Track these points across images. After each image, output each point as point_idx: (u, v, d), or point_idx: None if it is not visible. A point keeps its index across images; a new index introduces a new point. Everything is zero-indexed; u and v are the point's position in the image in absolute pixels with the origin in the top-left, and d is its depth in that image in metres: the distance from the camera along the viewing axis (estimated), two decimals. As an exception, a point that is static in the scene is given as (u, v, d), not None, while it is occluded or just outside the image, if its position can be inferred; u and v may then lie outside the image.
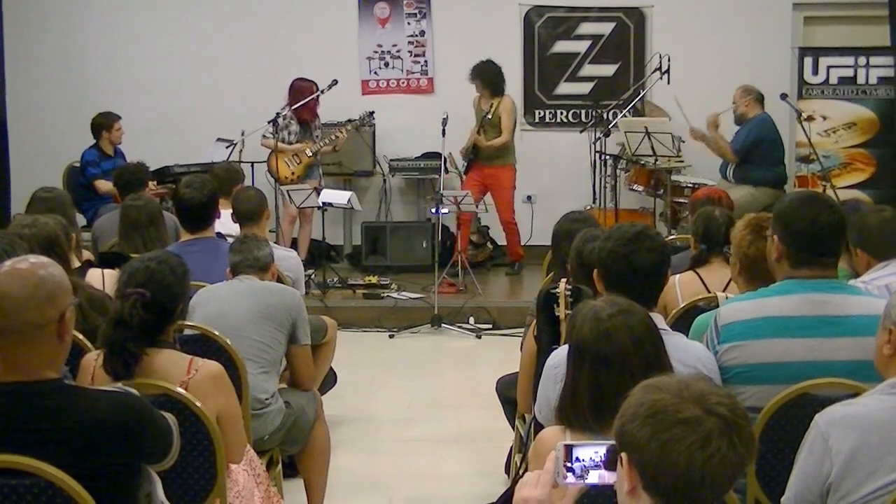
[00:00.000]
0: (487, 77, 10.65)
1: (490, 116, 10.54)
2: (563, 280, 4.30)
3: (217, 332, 4.59)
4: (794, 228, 3.82)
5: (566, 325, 3.98)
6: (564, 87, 11.84)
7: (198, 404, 3.74)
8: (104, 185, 9.88)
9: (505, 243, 11.29)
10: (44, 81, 11.83)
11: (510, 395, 5.37)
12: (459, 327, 9.48)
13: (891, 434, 2.88)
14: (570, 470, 2.32)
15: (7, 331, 2.96)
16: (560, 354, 3.56)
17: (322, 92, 10.52)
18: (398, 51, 11.92)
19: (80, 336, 4.21)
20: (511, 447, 5.58)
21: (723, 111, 10.31)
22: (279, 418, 4.98)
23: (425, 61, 11.91)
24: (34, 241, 4.71)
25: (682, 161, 10.39)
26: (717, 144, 10.31)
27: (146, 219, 6.09)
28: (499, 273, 11.25)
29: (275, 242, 7.86)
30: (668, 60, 10.25)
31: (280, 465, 5.11)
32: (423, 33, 11.87)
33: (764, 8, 11.50)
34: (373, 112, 11.08)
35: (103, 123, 10.28)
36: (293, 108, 10.45)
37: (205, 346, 4.50)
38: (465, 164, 10.82)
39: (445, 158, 10.34)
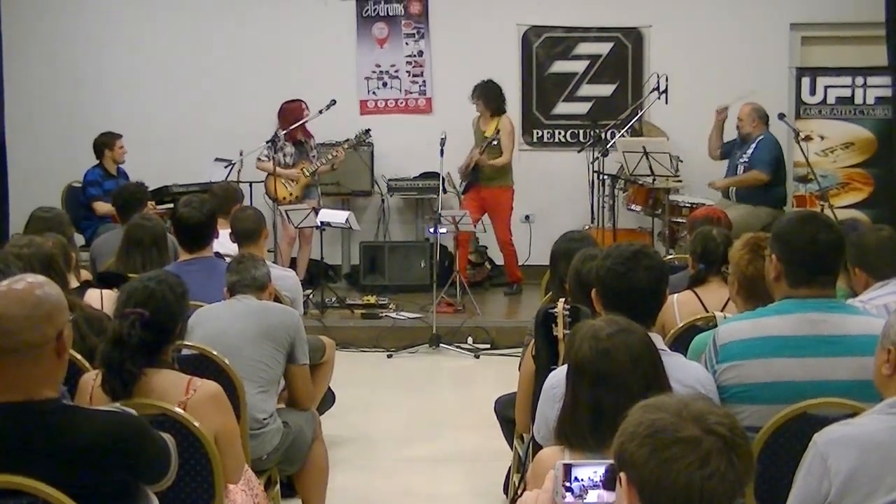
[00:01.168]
0: (490, 97, 10.68)
1: (496, 143, 10.55)
2: (562, 300, 4.30)
3: (215, 352, 4.58)
4: (793, 247, 3.82)
5: (565, 345, 3.98)
6: (562, 107, 11.86)
7: (196, 424, 3.74)
8: (102, 207, 9.89)
9: (503, 263, 11.29)
10: (42, 101, 11.85)
11: (508, 414, 5.37)
12: (458, 347, 9.47)
13: (889, 454, 2.88)
14: (569, 489, 2.32)
15: (6, 351, 2.96)
16: (558, 374, 3.56)
17: (321, 112, 10.53)
18: (396, 71, 11.95)
19: (78, 356, 4.21)
20: (510, 467, 5.57)
21: (725, 105, 10.34)
22: (277, 438, 4.98)
23: (423, 81, 11.94)
24: (32, 260, 4.71)
25: (680, 181, 10.40)
26: (742, 185, 10.21)
27: (150, 240, 6.09)
28: (497, 293, 11.25)
29: (273, 262, 7.87)
30: (667, 80, 10.27)
31: (278, 485, 5.11)
32: (421, 53, 11.90)
33: (761, 28, 11.53)
34: (369, 129, 11.09)
35: (106, 142, 10.33)
36: (287, 131, 10.47)
37: (203, 365, 4.49)
38: (464, 184, 10.82)
39: (444, 178, 10.35)
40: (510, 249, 11.02)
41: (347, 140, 10.86)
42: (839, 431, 2.97)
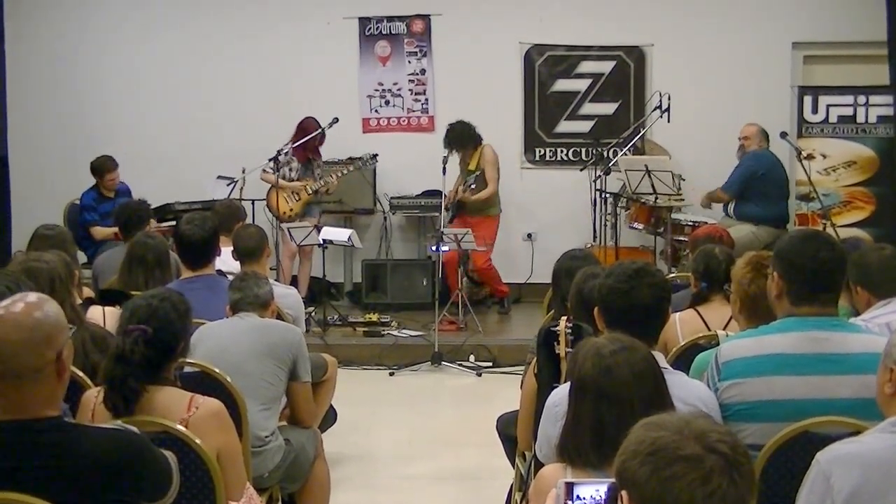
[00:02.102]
0: (464, 139, 10.71)
1: (479, 174, 10.60)
2: (564, 318, 4.30)
3: (217, 370, 4.58)
4: (795, 265, 3.83)
5: (567, 363, 3.98)
6: (565, 126, 11.87)
7: (198, 442, 3.73)
8: (100, 233, 9.89)
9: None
10: (44, 119, 11.87)
11: (510, 432, 5.36)
12: (460, 365, 9.46)
13: (892, 472, 2.87)
14: (571, 508, 2.32)
15: (5, 375, 2.95)
16: (561, 393, 3.56)
17: (323, 130, 10.55)
18: (399, 89, 11.97)
19: (80, 373, 4.21)
20: (511, 485, 5.56)
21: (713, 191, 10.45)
22: (279, 456, 4.98)
23: (426, 99, 11.96)
24: (40, 276, 4.71)
25: (683, 199, 10.40)
26: (714, 200, 10.52)
27: (153, 258, 6.07)
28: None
29: (275, 280, 7.87)
30: (669, 99, 10.27)
31: (280, 503, 5.10)
32: (423, 71, 11.92)
33: (763, 47, 11.55)
34: (376, 155, 11.11)
35: (97, 169, 10.22)
36: (294, 145, 10.48)
37: (205, 383, 4.49)
38: (450, 214, 10.77)
39: (446, 196, 10.36)
40: (489, 273, 11.05)
41: (352, 159, 10.87)
42: (842, 449, 2.96)
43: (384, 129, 11.99)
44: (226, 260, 6.50)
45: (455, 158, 10.65)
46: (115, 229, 8.23)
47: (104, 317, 5.20)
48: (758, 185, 10.14)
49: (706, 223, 9.32)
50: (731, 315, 4.79)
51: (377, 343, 9.86)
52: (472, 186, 10.60)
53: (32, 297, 3.12)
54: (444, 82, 11.86)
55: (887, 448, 2.91)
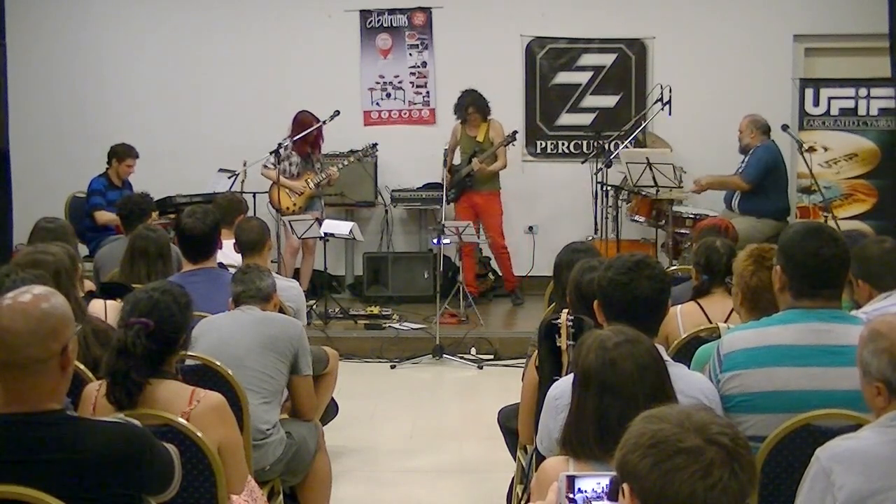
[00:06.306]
0: (482, 103, 10.76)
1: (491, 143, 10.61)
2: (565, 311, 4.30)
3: (219, 363, 4.58)
4: (797, 261, 3.82)
5: (570, 355, 3.98)
6: (566, 118, 11.86)
7: (199, 435, 3.73)
8: (103, 217, 9.87)
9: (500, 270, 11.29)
10: (45, 113, 11.87)
11: (512, 425, 5.36)
12: (461, 358, 9.46)
13: (893, 467, 2.87)
14: (573, 501, 2.33)
15: (9, 365, 2.96)
16: (561, 385, 3.56)
17: (324, 123, 10.54)
18: (400, 82, 11.96)
19: (82, 367, 4.21)
20: (513, 478, 5.56)
21: (697, 179, 10.26)
22: (280, 449, 4.98)
23: (427, 92, 11.95)
24: (46, 268, 4.70)
25: (684, 192, 10.39)
26: (723, 187, 10.30)
27: (155, 251, 6.07)
28: (500, 303, 11.25)
29: (277, 273, 7.87)
30: (670, 91, 10.26)
31: (281, 496, 5.10)
32: (424, 64, 11.91)
33: (765, 39, 11.54)
34: (376, 144, 11.08)
35: (118, 153, 10.24)
36: (293, 139, 10.47)
37: (207, 376, 4.49)
38: (453, 192, 10.79)
39: (447, 189, 10.36)
40: (506, 253, 11.05)
41: (353, 152, 10.86)
42: (842, 446, 2.96)
43: (385, 121, 11.99)
44: (227, 253, 6.50)
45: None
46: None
47: (105, 310, 5.20)
48: (769, 176, 10.10)
49: (707, 216, 9.32)
50: (732, 308, 4.79)
51: (378, 336, 9.86)
52: (489, 144, 10.64)
53: (40, 288, 3.12)
54: (446, 75, 11.85)
55: (887, 443, 2.92)
